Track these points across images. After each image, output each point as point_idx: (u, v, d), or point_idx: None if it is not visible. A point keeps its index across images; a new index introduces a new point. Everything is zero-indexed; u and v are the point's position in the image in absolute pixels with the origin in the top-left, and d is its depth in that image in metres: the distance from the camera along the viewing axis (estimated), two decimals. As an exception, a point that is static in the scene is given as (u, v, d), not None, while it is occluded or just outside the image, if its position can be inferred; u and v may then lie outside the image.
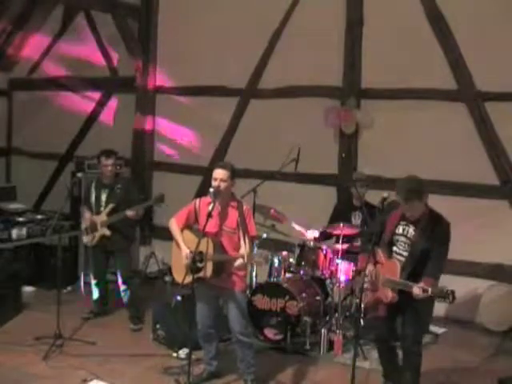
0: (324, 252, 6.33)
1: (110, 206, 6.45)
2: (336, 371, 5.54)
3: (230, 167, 4.99)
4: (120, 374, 5.39)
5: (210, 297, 5.14)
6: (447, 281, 6.89)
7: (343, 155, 7.59)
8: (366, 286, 4.69)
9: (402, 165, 7.27)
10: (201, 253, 4.85)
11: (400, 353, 4.89)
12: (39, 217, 7.86)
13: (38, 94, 9.91)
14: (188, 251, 4.93)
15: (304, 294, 6.11)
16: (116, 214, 6.38)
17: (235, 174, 4.99)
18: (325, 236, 6.72)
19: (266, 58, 8.06)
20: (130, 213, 6.30)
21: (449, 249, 4.65)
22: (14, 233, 7.27)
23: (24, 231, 7.38)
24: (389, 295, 4.55)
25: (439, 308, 7.15)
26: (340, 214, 6.82)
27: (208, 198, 5.00)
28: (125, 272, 6.62)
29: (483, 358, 5.97)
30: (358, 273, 4.84)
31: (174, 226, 5.12)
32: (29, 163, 9.90)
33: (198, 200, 5.13)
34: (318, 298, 6.25)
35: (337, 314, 6.19)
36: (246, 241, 4.91)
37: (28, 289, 7.51)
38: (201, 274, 4.90)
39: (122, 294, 6.67)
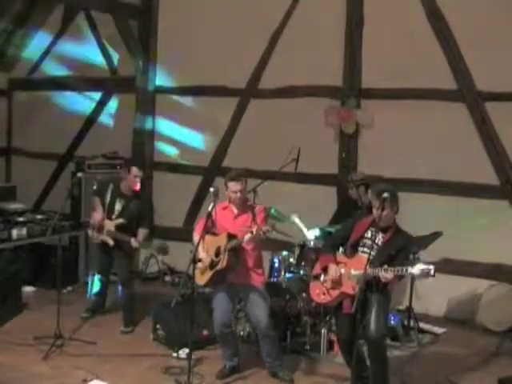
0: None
1: (121, 220, 6.40)
2: (336, 371, 5.53)
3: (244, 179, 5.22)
4: (120, 374, 5.39)
5: (228, 297, 5.29)
6: (447, 280, 7.00)
7: (343, 155, 7.60)
8: (326, 285, 4.94)
9: (402, 165, 7.29)
10: (218, 248, 5.12)
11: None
12: (39, 217, 7.85)
13: (38, 94, 9.90)
14: (204, 255, 5.21)
15: (304, 294, 6.10)
16: (121, 234, 6.34)
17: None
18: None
19: (266, 57, 8.05)
20: (134, 244, 6.29)
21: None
22: (14, 233, 7.25)
23: (24, 231, 7.36)
24: (355, 285, 4.73)
25: (439, 308, 7.18)
26: (344, 212, 6.80)
27: (223, 203, 5.28)
28: (123, 275, 6.60)
29: (483, 358, 5.96)
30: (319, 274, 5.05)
31: (195, 237, 5.32)
32: (29, 163, 9.87)
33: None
34: (318, 298, 6.23)
35: (337, 314, 6.18)
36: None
37: (28, 289, 7.48)
38: (218, 267, 5.11)
39: (120, 295, 6.69)
